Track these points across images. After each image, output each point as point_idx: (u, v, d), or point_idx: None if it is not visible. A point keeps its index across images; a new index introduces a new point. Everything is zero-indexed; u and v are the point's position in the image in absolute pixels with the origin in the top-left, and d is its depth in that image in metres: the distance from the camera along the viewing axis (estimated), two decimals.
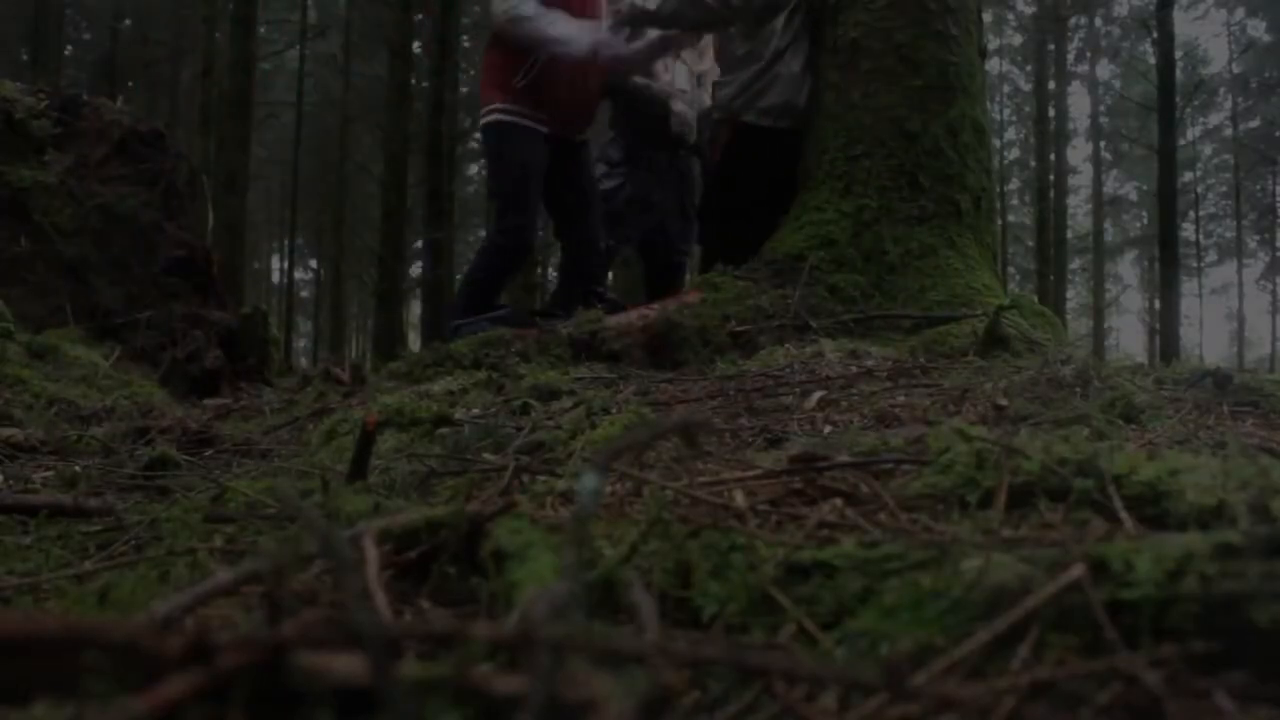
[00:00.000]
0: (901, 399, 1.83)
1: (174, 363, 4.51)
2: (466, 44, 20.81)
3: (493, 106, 4.06)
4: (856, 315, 3.32)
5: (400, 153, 13.32)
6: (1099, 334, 27.23)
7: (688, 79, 4.62)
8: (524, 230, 4.09)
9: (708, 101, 4.59)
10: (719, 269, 3.62)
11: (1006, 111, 27.49)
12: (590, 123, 4.38)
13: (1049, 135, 22.86)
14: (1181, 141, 20.32)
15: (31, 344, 3.63)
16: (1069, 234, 25.79)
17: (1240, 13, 25.04)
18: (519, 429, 1.81)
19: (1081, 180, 30.59)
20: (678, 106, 4.57)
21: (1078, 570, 0.54)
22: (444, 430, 1.95)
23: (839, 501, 0.80)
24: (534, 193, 4.10)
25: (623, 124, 4.71)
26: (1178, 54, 14.13)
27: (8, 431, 2.22)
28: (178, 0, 19.55)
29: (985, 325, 2.86)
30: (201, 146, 13.26)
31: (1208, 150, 28.72)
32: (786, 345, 2.94)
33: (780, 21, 4.00)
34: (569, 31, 3.93)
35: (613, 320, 3.26)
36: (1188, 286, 27.71)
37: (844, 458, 0.88)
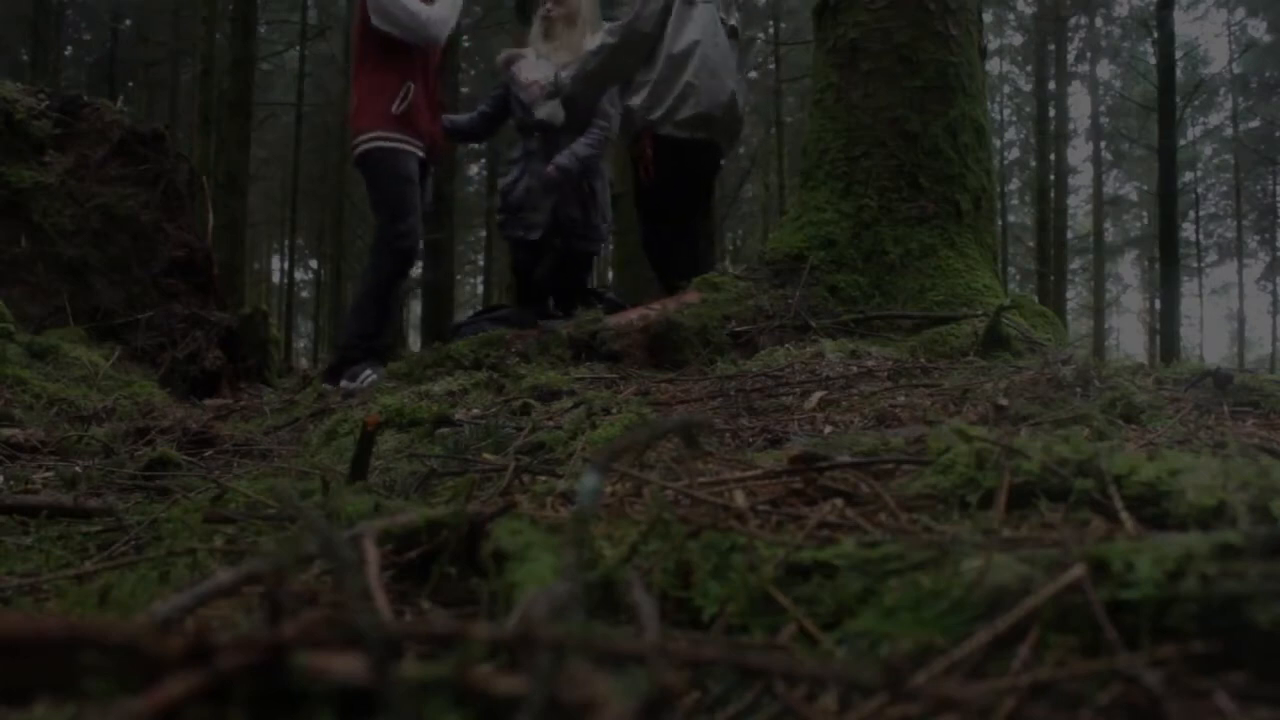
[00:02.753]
0: (901, 399, 1.83)
1: (174, 363, 4.51)
2: (466, 44, 20.80)
3: (371, 134, 4.29)
4: (856, 315, 3.32)
5: None
6: (1099, 334, 27.23)
7: (550, 68, 4.71)
8: (415, 233, 4.36)
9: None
10: (719, 268, 3.64)
11: (1006, 111, 27.49)
12: (439, 150, 4.65)
13: (1049, 135, 22.85)
14: (1182, 141, 20.33)
15: (31, 344, 3.63)
16: (1069, 234, 25.78)
17: (1240, 13, 25.03)
18: (519, 429, 1.81)
19: (1081, 180, 30.60)
20: (541, 96, 4.69)
21: (1078, 570, 0.54)
22: (444, 430, 1.95)
23: (839, 501, 0.80)
24: (417, 201, 4.39)
25: (523, 125, 4.85)
26: (1178, 54, 14.12)
27: (8, 431, 2.22)
28: (178, 0, 19.54)
29: (985, 325, 2.86)
30: (201, 146, 13.25)
31: (1208, 150, 28.72)
32: (786, 345, 2.94)
33: (675, 29, 4.12)
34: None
35: (613, 320, 3.26)
36: (1188, 286, 27.72)
37: (844, 458, 0.88)
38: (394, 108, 4.24)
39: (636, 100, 4.22)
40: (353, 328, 4.26)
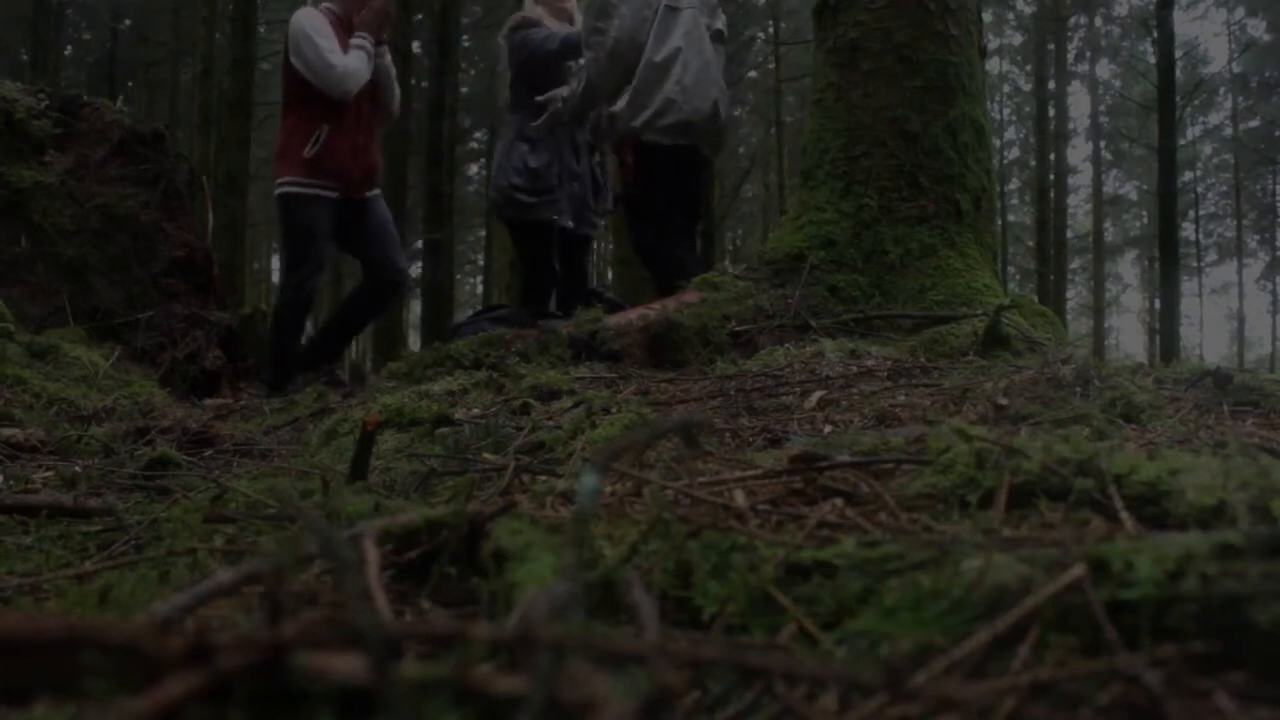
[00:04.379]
0: (901, 399, 1.83)
1: (174, 363, 4.51)
2: (467, 44, 20.81)
3: (284, 179, 4.43)
4: (856, 315, 3.32)
5: (400, 153, 13.32)
6: (1099, 334, 27.24)
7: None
8: (307, 284, 4.56)
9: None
10: (719, 268, 3.64)
11: (1006, 111, 27.49)
12: (374, 184, 4.74)
13: (1049, 135, 22.85)
14: (1181, 141, 20.31)
15: (31, 344, 3.63)
16: (1069, 234, 25.79)
17: (1240, 12, 25.03)
18: (519, 429, 1.81)
19: (1081, 180, 30.60)
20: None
21: (1078, 570, 0.54)
22: (444, 430, 1.95)
23: (839, 501, 0.80)
24: (320, 253, 4.58)
25: (527, 103, 4.73)
26: (1178, 54, 14.12)
27: (8, 431, 2.22)
28: (178, 0, 19.54)
29: (985, 325, 2.86)
30: (201, 146, 13.25)
31: (1208, 150, 28.72)
32: (786, 345, 2.94)
33: (657, 37, 4.12)
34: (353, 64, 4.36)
35: (613, 320, 3.26)
36: (1188, 286, 27.74)
37: (844, 457, 0.88)
38: (306, 151, 4.36)
39: (618, 106, 4.22)
40: (273, 350, 4.57)
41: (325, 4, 4.51)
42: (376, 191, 4.77)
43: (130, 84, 22.19)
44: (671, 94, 4.12)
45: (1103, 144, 27.87)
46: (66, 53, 22.67)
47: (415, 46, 14.92)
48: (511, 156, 4.72)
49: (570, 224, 4.73)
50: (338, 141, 4.43)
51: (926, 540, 0.64)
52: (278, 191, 4.49)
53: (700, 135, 4.26)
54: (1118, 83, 26.71)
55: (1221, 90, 26.14)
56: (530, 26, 4.77)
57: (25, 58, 19.18)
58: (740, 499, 0.79)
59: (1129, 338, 41.28)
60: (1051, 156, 22.91)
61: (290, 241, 4.57)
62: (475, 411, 2.19)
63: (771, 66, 19.46)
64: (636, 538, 0.72)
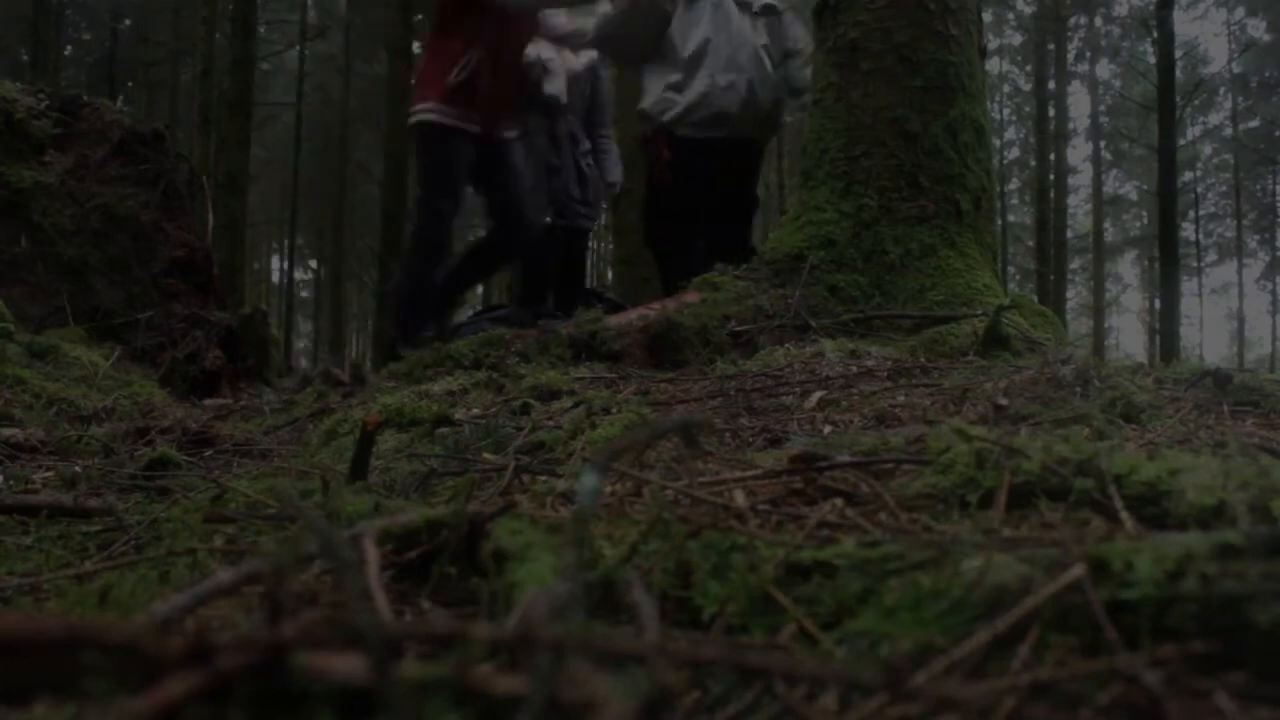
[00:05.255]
0: (901, 399, 1.83)
1: (174, 363, 4.51)
2: None
3: (423, 107, 4.11)
4: (856, 315, 3.32)
5: (400, 153, 13.31)
6: (1099, 334, 27.23)
7: (551, 47, 4.69)
8: (442, 227, 4.27)
9: (574, 60, 4.67)
10: (719, 268, 3.63)
11: (1006, 111, 27.48)
12: (514, 122, 4.49)
13: (1049, 135, 22.85)
14: (1181, 141, 20.31)
15: (31, 344, 3.62)
16: (1069, 234, 25.79)
17: (1240, 12, 25.04)
18: (519, 429, 1.81)
19: (1081, 180, 30.61)
20: (550, 71, 4.65)
21: (1078, 570, 0.54)
22: (444, 430, 1.95)
23: (839, 501, 0.80)
24: (459, 192, 4.27)
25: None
26: (1178, 54, 14.12)
27: (8, 431, 2.22)
28: (178, 0, 19.54)
29: (985, 325, 2.86)
30: (201, 146, 13.25)
31: (1208, 150, 28.72)
32: (786, 345, 2.94)
33: (687, 27, 4.08)
34: None
35: (613, 320, 3.26)
36: (1188, 286, 27.73)
37: (844, 457, 0.88)
38: (450, 77, 4.01)
39: (649, 102, 4.19)
40: (402, 302, 4.25)
41: None
42: (516, 133, 4.47)
43: (130, 84, 22.20)
44: (703, 87, 4.07)
45: (1103, 144, 27.87)
46: (66, 53, 22.68)
47: (415, 46, 14.91)
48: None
49: (548, 219, 4.75)
50: (486, 70, 4.08)
51: (926, 540, 0.64)
52: (414, 120, 4.14)
53: (736, 123, 4.17)
54: (1118, 83, 26.72)
55: (1221, 90, 26.15)
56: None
57: (25, 58, 19.19)
58: (740, 499, 0.79)
59: (1129, 338, 41.31)
60: (1051, 156, 22.91)
61: (427, 177, 4.25)
62: (475, 411, 2.19)
63: None
64: (636, 538, 0.72)
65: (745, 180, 4.61)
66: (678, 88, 4.09)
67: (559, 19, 4.49)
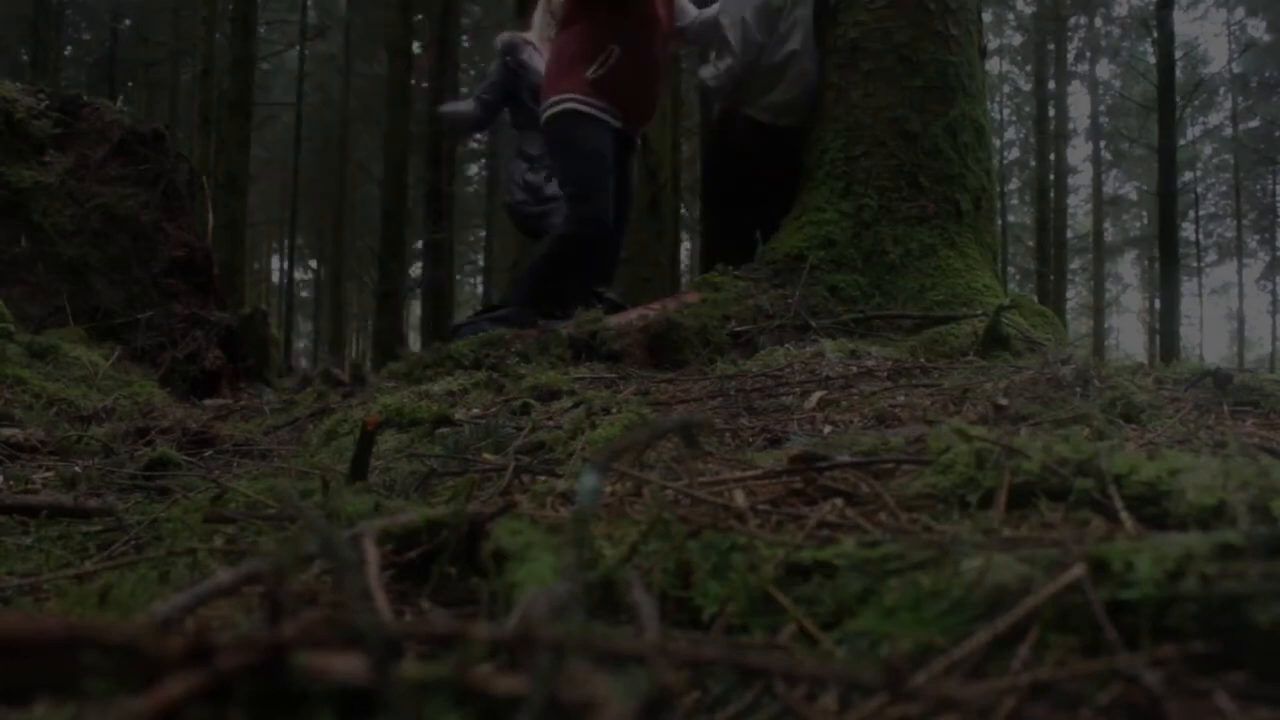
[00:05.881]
0: (901, 399, 1.83)
1: (174, 363, 4.51)
2: (466, 44, 20.81)
3: (565, 96, 3.88)
4: (856, 315, 3.32)
5: (400, 153, 13.33)
6: (1099, 334, 27.23)
7: None
8: (602, 216, 3.92)
9: None
10: (719, 268, 3.63)
11: (1006, 111, 27.49)
12: (651, 121, 4.30)
13: (1049, 135, 22.86)
14: (1181, 141, 20.31)
15: (31, 344, 3.63)
16: (1069, 234, 25.80)
17: (1240, 12, 25.04)
18: (519, 429, 1.81)
19: (1081, 180, 30.62)
20: None
21: (1078, 570, 0.54)
22: (444, 430, 1.95)
23: (839, 501, 0.80)
24: (609, 182, 3.95)
25: (523, 121, 4.74)
26: (1178, 54, 14.13)
27: (8, 431, 2.22)
28: (178, 0, 19.55)
29: (985, 325, 2.86)
30: (201, 146, 13.26)
31: (1208, 150, 28.72)
32: (786, 345, 2.94)
33: (792, 21, 4.02)
34: None
35: (613, 320, 3.26)
36: (1188, 286, 27.73)
37: (844, 457, 0.88)
38: (591, 71, 3.81)
39: (712, 76, 4.07)
40: (518, 299, 4.04)
41: None
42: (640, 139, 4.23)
43: (130, 84, 22.20)
44: (795, 85, 3.99)
45: (1103, 144, 27.88)
46: (66, 53, 22.69)
47: (415, 46, 14.92)
48: (513, 174, 4.79)
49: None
50: (627, 66, 3.86)
51: (926, 540, 0.64)
52: (555, 110, 3.87)
53: (803, 112, 4.04)
54: (1118, 83, 26.73)
55: (1221, 90, 26.15)
56: (526, 46, 4.76)
57: (25, 58, 19.19)
58: (740, 499, 0.79)
59: (1129, 338, 41.32)
60: (1051, 156, 22.92)
61: (577, 165, 3.92)
62: (475, 412, 2.19)
63: None
64: (636, 538, 0.72)
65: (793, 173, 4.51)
66: (759, 89, 4.01)
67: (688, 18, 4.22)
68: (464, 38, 19.83)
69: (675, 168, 12.97)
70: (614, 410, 1.84)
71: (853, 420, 1.66)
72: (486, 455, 1.54)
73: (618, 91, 3.88)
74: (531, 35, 4.84)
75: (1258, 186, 27.43)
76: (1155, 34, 13.44)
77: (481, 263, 27.20)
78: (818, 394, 1.98)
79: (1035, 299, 4.31)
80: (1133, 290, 37.31)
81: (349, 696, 0.37)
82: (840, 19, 3.83)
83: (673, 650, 0.44)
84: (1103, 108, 27.77)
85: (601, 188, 3.88)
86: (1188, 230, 26.76)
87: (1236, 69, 24.94)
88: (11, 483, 1.73)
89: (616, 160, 4.03)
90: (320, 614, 0.44)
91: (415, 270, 20.78)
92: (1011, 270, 25.84)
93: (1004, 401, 1.39)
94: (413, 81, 14.88)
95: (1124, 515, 0.70)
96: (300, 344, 32.62)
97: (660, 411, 1.98)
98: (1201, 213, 28.53)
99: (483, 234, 25.67)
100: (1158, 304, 21.42)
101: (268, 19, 19.67)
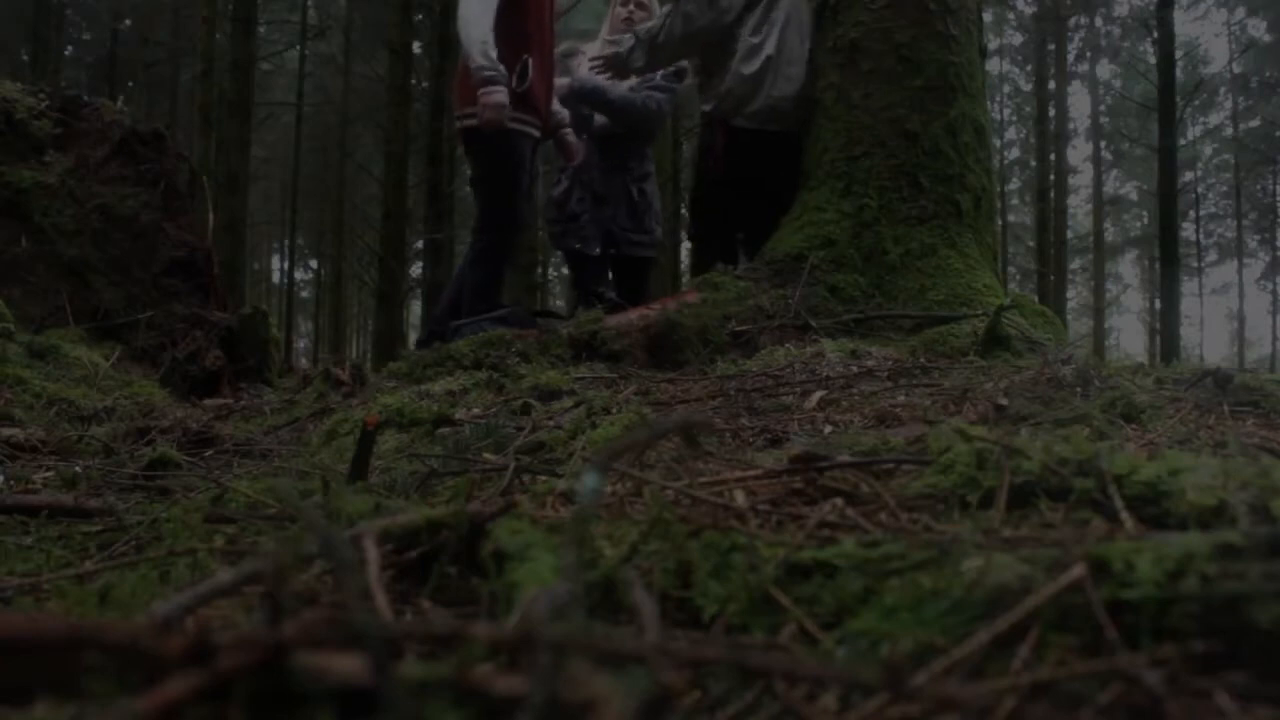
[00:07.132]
0: (901, 399, 1.83)
1: (174, 363, 4.50)
2: None
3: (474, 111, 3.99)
4: (856, 315, 3.32)
5: (400, 153, 13.32)
6: (1099, 334, 27.21)
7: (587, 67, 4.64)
8: (520, 221, 4.18)
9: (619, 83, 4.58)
10: (719, 268, 3.63)
11: (1006, 111, 27.47)
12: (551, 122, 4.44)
13: (1049, 135, 22.84)
14: (1182, 141, 20.30)
15: (31, 344, 3.63)
16: (1069, 234, 25.77)
17: (1240, 12, 25.03)
18: (519, 429, 1.81)
19: (1081, 180, 30.59)
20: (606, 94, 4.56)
21: (1078, 570, 0.54)
22: (444, 430, 1.95)
23: (839, 501, 0.80)
24: (527, 188, 4.16)
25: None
26: (1178, 54, 14.12)
27: (8, 431, 2.22)
28: (178, 0, 19.54)
29: (985, 325, 2.86)
30: (201, 146, 13.25)
31: (1208, 150, 28.71)
32: (786, 345, 2.94)
33: (757, 23, 4.02)
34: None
35: (613, 320, 3.26)
36: (1188, 286, 27.74)
37: (844, 457, 0.88)
38: (514, 84, 3.91)
39: (713, 90, 4.10)
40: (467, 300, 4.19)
41: None
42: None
43: (130, 84, 22.19)
44: (773, 90, 4.00)
45: (1103, 144, 27.86)
46: (66, 53, 22.68)
47: (415, 47, 14.92)
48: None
49: (596, 250, 4.63)
50: (541, 73, 4.02)
51: (927, 540, 0.64)
52: (470, 124, 3.96)
53: (790, 119, 4.04)
54: (1118, 83, 26.72)
55: (1222, 90, 26.15)
56: (579, 54, 4.73)
57: (25, 58, 19.19)
58: (740, 499, 0.79)
59: (1129, 338, 41.33)
60: (1051, 157, 22.90)
61: (500, 175, 4.07)
62: (475, 411, 2.19)
63: None
64: (636, 538, 0.72)
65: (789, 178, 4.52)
66: (745, 93, 4.01)
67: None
68: None
69: (675, 168, 12.97)
70: (614, 410, 1.84)
71: (853, 420, 1.66)
72: (487, 455, 1.54)
73: (537, 99, 4.06)
74: (584, 45, 4.80)
75: (1258, 186, 27.42)
76: (1155, 34, 13.44)
77: None
78: (818, 394, 1.98)
79: (1035, 299, 4.31)
80: (1133, 290, 37.34)
81: (349, 696, 0.37)
82: (840, 19, 3.83)
83: (673, 650, 0.44)
84: (1103, 108, 27.77)
85: (521, 194, 4.11)
86: (1188, 230, 26.77)
87: (1237, 69, 24.94)
88: (11, 483, 1.73)
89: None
90: (320, 614, 0.44)
91: (416, 270, 20.78)
92: (1011, 270, 25.83)
93: (1004, 401, 1.39)
94: (413, 81, 14.88)
95: (1124, 515, 0.70)
96: (300, 344, 32.62)
97: (660, 411, 1.98)
98: (1202, 213, 28.53)
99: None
100: (1158, 304, 21.43)
101: (268, 19, 19.66)
